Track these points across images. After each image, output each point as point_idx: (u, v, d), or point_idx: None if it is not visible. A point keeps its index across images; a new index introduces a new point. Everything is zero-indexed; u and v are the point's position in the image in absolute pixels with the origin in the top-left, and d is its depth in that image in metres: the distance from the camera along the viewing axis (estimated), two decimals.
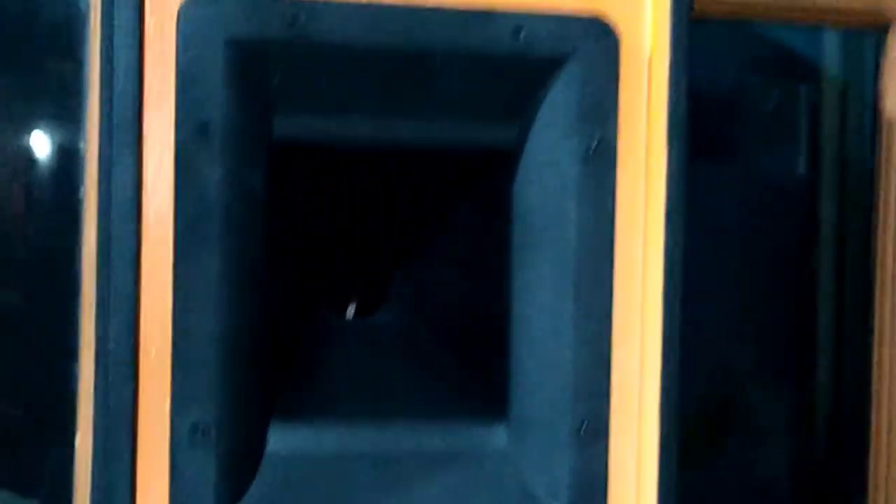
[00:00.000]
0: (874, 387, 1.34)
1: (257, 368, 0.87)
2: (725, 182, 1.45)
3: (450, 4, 0.89)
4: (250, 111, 0.86)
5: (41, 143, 1.20)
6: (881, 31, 1.35)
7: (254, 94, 0.86)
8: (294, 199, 0.93)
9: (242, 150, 0.86)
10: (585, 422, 0.89)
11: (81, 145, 1.15)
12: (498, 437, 0.91)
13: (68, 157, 1.18)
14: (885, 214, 1.34)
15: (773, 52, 1.41)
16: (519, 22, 0.89)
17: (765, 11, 1.34)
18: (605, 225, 0.90)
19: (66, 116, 1.19)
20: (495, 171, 0.92)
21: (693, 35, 1.29)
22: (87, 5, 1.10)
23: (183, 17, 0.85)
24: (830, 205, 1.40)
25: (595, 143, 0.90)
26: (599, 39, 0.90)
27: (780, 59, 1.41)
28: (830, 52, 1.41)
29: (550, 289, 0.90)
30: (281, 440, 0.87)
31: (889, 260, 1.33)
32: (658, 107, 0.91)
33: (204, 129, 0.85)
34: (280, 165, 0.88)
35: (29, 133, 1.20)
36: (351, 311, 0.99)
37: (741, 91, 1.42)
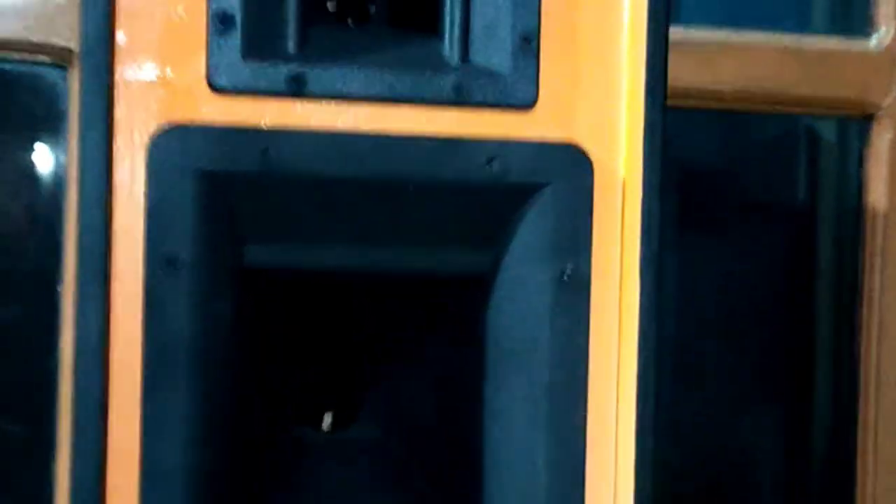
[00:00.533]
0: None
1: (227, 501, 0.86)
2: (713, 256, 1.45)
3: (421, 133, 0.88)
4: (219, 242, 0.86)
5: None
6: (866, 120, 1.35)
7: (223, 225, 0.86)
8: (268, 320, 0.92)
9: (211, 281, 0.85)
10: None
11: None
12: None
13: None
14: (869, 312, 1.34)
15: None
16: (492, 150, 0.88)
17: (751, 100, 1.34)
18: (578, 354, 0.89)
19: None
20: (468, 295, 0.91)
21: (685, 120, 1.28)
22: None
23: (153, 148, 0.84)
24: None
25: (568, 271, 0.89)
26: (575, 167, 0.90)
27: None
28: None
29: (523, 415, 0.89)
30: None
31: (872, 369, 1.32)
32: (632, 234, 0.90)
33: (172, 263, 0.84)
34: (252, 290, 0.88)
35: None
36: (327, 422, 0.99)
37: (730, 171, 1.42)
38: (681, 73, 1.24)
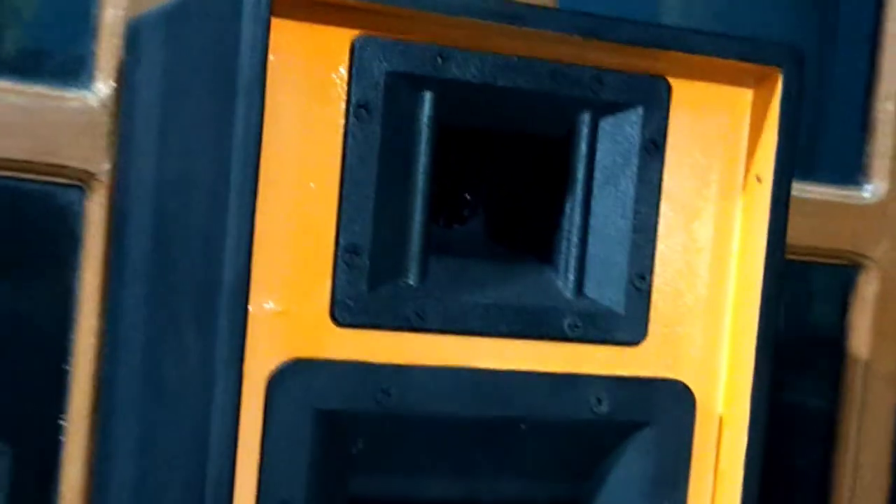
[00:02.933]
0: None
1: None
2: None
3: (534, 369, 0.87)
4: (330, 481, 0.83)
5: None
6: (853, 269, 1.37)
7: (336, 463, 0.83)
8: None
9: None
10: None
11: None
12: None
13: None
14: (844, 453, 1.37)
15: None
16: (601, 389, 0.87)
17: None
18: None
19: None
20: None
21: None
22: None
23: (274, 385, 0.81)
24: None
25: None
26: (679, 404, 0.89)
27: None
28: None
29: None
30: None
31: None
32: (729, 469, 0.90)
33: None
34: None
35: None
36: None
37: None
38: None
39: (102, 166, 1.12)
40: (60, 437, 1.15)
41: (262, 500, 0.80)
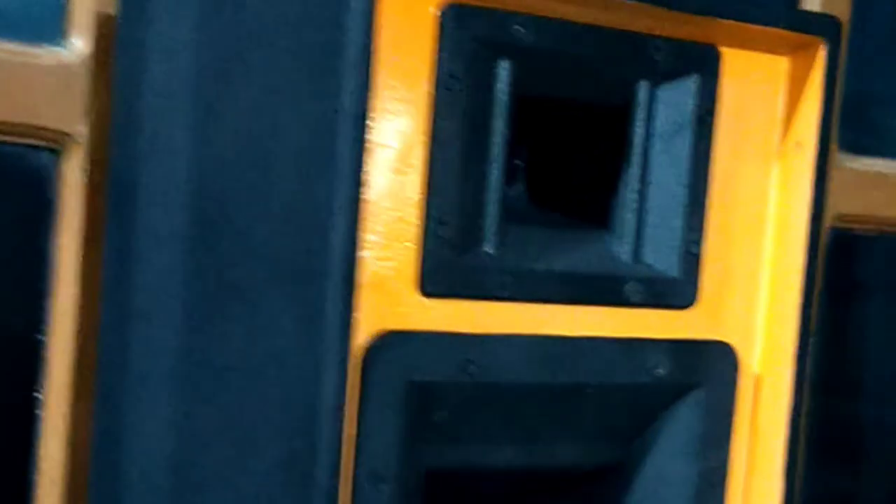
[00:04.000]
0: None
1: None
2: None
3: (600, 334, 0.88)
4: (416, 451, 0.82)
5: None
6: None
7: (422, 434, 0.83)
8: None
9: (408, 492, 0.82)
10: None
11: None
12: None
13: None
14: None
15: None
16: (658, 353, 0.89)
17: None
18: None
19: None
20: (611, 483, 0.92)
21: None
22: None
23: (369, 358, 0.80)
24: None
25: (711, 465, 0.92)
26: (725, 366, 0.92)
27: None
28: None
29: None
30: None
31: None
32: (767, 428, 0.94)
33: (379, 478, 0.80)
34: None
35: None
36: None
37: None
38: None
39: (79, 128, 1.08)
40: (37, 411, 1.10)
41: (356, 471, 0.79)
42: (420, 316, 0.82)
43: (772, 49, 0.92)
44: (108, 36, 1.07)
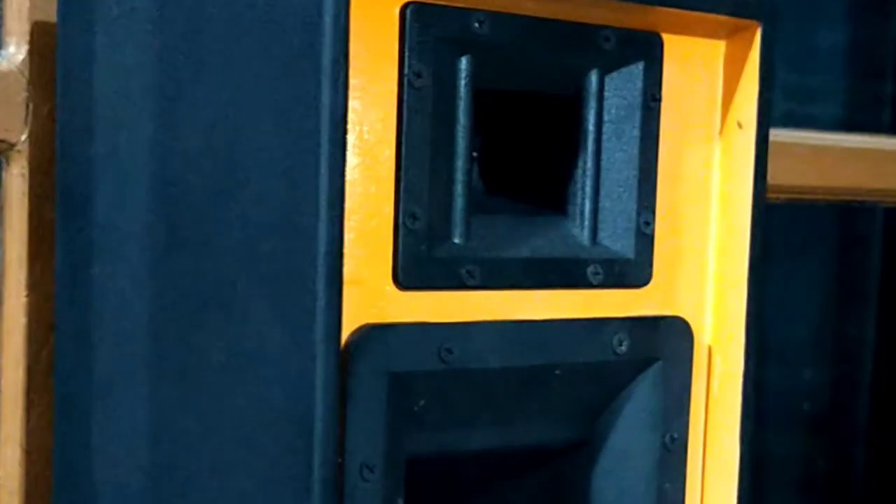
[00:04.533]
0: None
1: None
2: None
3: (564, 316, 0.91)
4: (398, 441, 0.85)
5: None
6: None
7: (402, 424, 0.85)
8: None
9: (394, 481, 0.84)
10: None
11: None
12: None
13: None
14: None
15: None
16: (620, 331, 0.93)
17: None
18: None
19: None
20: (579, 458, 0.96)
21: None
22: None
23: (351, 354, 0.82)
24: None
25: (672, 436, 0.96)
26: (681, 340, 0.96)
27: None
28: None
29: None
30: None
31: None
32: (722, 396, 0.98)
33: (368, 468, 0.83)
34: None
35: None
36: None
37: None
38: None
39: (21, 136, 1.07)
40: None
41: (345, 464, 0.81)
42: (397, 308, 0.84)
43: (710, 33, 0.96)
44: (46, 43, 1.07)
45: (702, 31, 0.96)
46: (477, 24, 0.86)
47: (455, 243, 0.86)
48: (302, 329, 0.80)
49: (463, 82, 0.86)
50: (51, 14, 1.05)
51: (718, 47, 0.97)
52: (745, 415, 0.97)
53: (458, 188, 0.86)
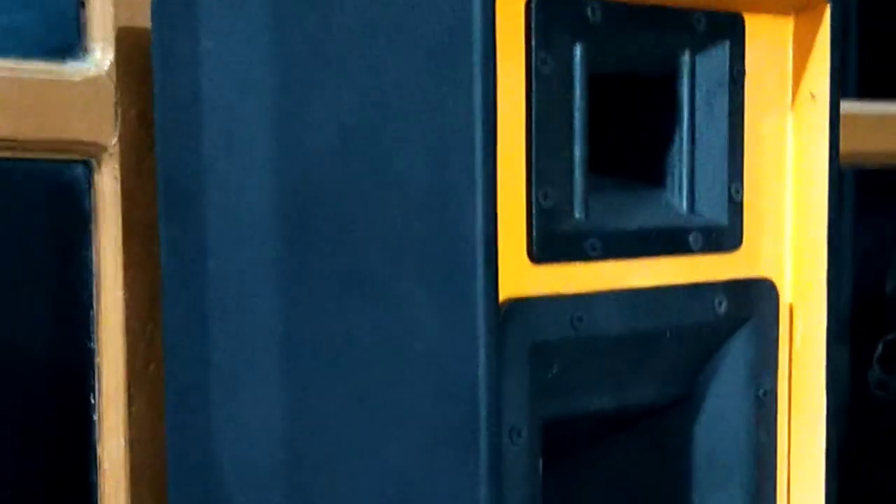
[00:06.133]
0: None
1: None
2: None
3: (672, 282, 0.97)
4: (539, 405, 0.90)
5: None
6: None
7: (542, 389, 0.91)
8: None
9: (537, 444, 0.90)
10: None
11: None
12: None
13: None
14: None
15: None
16: (719, 293, 0.99)
17: None
18: (772, 461, 1.03)
19: None
20: (681, 415, 1.02)
21: None
22: None
23: (501, 328, 0.87)
24: None
25: (764, 390, 1.03)
26: (769, 300, 1.02)
27: None
28: None
29: None
30: None
31: None
32: (805, 351, 1.05)
33: (517, 433, 0.88)
34: None
35: None
36: None
37: None
38: None
39: (112, 139, 1.11)
40: (93, 415, 1.14)
41: (501, 430, 0.87)
42: (532, 282, 0.90)
43: (782, 12, 1.03)
44: (132, 47, 1.11)
45: (775, 9, 1.02)
46: (590, 13, 0.91)
47: (577, 218, 0.92)
48: (457, 307, 0.85)
49: (579, 67, 0.91)
50: (135, 20, 1.09)
51: (788, 24, 1.04)
52: (829, 369, 1.04)
53: (579, 167, 0.92)
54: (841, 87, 1.04)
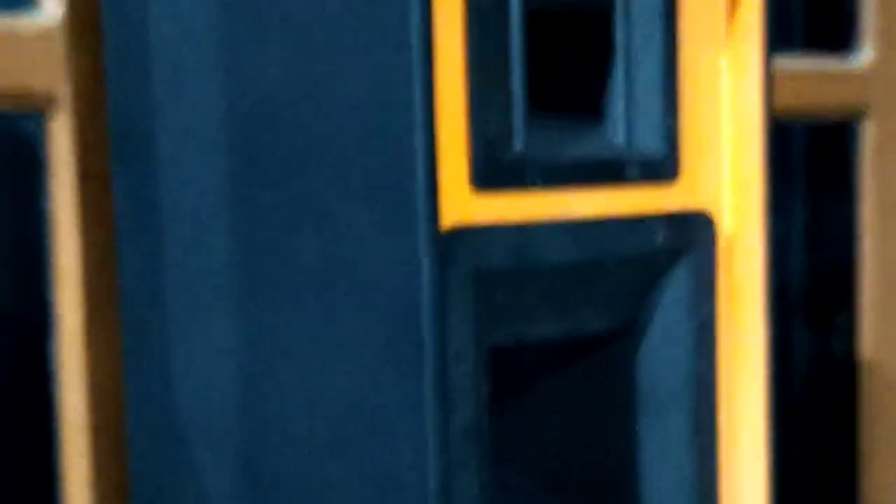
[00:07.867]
0: None
1: None
2: None
3: (612, 213, 1.00)
4: (482, 333, 0.93)
5: None
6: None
7: (485, 316, 0.93)
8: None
9: (480, 369, 0.93)
10: None
11: None
12: None
13: None
14: None
15: None
16: (660, 224, 1.02)
17: None
18: (713, 386, 1.07)
19: None
20: (624, 343, 1.05)
21: None
22: None
23: (445, 254, 0.90)
24: None
25: (705, 318, 1.06)
26: (707, 231, 1.05)
27: None
28: None
29: (677, 438, 1.05)
30: None
31: None
32: (745, 280, 1.08)
33: (461, 359, 0.91)
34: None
35: None
36: None
37: None
38: None
39: (63, 89, 1.13)
40: (51, 368, 1.16)
41: (442, 353, 0.90)
42: (475, 209, 0.93)
43: None
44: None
45: None
46: None
47: (517, 148, 0.95)
48: (401, 233, 0.88)
49: (516, 2, 0.94)
50: None
51: None
52: (768, 298, 1.07)
53: (518, 98, 0.95)
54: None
